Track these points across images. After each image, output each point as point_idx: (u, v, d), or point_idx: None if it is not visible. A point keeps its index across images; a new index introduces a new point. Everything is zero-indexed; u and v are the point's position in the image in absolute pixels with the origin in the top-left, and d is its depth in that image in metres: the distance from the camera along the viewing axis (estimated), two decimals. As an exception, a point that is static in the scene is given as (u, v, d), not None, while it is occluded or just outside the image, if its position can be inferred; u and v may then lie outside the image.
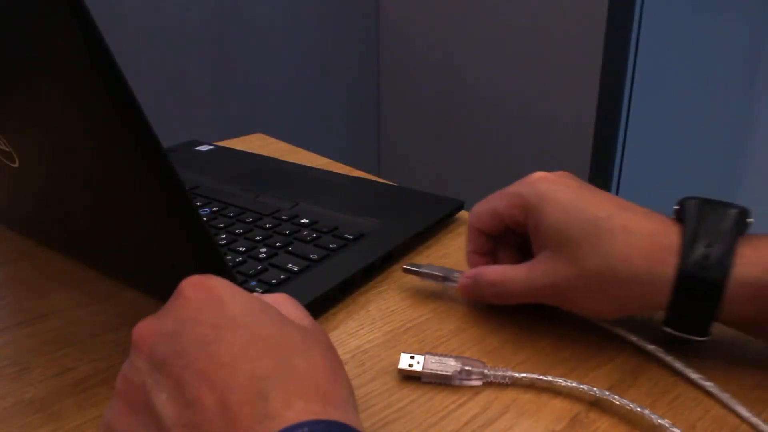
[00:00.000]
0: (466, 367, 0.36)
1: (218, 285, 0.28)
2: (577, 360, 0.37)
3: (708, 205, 0.36)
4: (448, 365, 0.36)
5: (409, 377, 0.37)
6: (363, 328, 0.41)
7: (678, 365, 0.36)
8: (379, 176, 0.64)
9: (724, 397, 0.34)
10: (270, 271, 0.45)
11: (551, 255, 0.37)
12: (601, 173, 1.61)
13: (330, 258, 0.47)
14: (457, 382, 0.36)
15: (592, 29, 1.49)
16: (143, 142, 0.30)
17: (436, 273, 0.44)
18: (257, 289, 0.43)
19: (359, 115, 2.05)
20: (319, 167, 0.68)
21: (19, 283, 0.47)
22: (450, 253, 0.51)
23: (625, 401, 0.33)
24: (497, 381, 0.36)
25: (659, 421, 0.32)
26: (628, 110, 1.59)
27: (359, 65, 2.00)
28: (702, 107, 1.55)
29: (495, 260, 0.43)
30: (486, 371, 0.36)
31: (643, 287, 0.35)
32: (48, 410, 0.34)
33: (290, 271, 0.45)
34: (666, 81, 1.57)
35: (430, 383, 0.36)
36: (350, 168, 0.69)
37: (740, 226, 0.35)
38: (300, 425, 0.22)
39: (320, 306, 0.43)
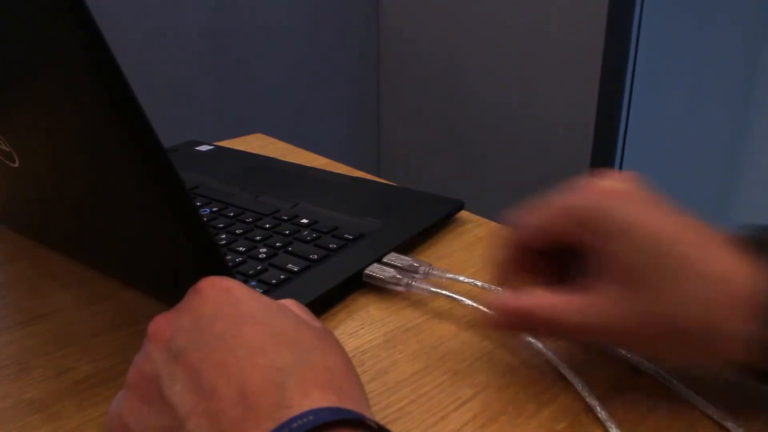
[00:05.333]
0: (400, 275, 0.43)
1: (236, 286, 0.29)
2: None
3: None
4: (387, 272, 0.44)
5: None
6: (363, 328, 0.41)
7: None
8: (379, 176, 0.64)
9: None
10: (270, 271, 0.45)
11: (617, 291, 0.31)
12: (601, 173, 1.60)
13: (330, 258, 0.47)
14: (390, 287, 0.44)
15: (592, 29, 1.48)
16: (144, 142, 0.30)
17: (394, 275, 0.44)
18: (257, 289, 0.43)
19: (359, 115, 2.05)
20: (319, 167, 0.68)
21: (19, 283, 0.47)
22: (450, 253, 0.51)
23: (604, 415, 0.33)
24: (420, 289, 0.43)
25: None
26: (628, 110, 1.59)
27: (359, 65, 2.00)
28: (702, 107, 1.55)
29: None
30: (413, 282, 0.43)
31: (722, 342, 0.29)
32: (48, 410, 0.34)
33: (290, 271, 0.45)
34: (666, 81, 1.57)
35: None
36: (350, 168, 0.69)
37: None
38: (306, 413, 0.22)
39: (320, 306, 0.43)
